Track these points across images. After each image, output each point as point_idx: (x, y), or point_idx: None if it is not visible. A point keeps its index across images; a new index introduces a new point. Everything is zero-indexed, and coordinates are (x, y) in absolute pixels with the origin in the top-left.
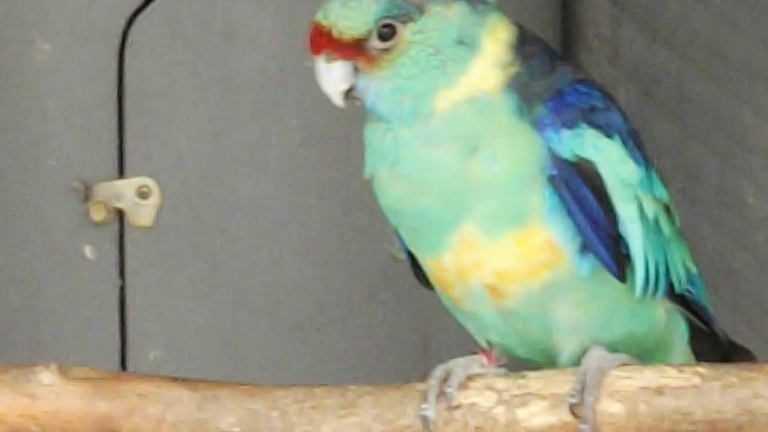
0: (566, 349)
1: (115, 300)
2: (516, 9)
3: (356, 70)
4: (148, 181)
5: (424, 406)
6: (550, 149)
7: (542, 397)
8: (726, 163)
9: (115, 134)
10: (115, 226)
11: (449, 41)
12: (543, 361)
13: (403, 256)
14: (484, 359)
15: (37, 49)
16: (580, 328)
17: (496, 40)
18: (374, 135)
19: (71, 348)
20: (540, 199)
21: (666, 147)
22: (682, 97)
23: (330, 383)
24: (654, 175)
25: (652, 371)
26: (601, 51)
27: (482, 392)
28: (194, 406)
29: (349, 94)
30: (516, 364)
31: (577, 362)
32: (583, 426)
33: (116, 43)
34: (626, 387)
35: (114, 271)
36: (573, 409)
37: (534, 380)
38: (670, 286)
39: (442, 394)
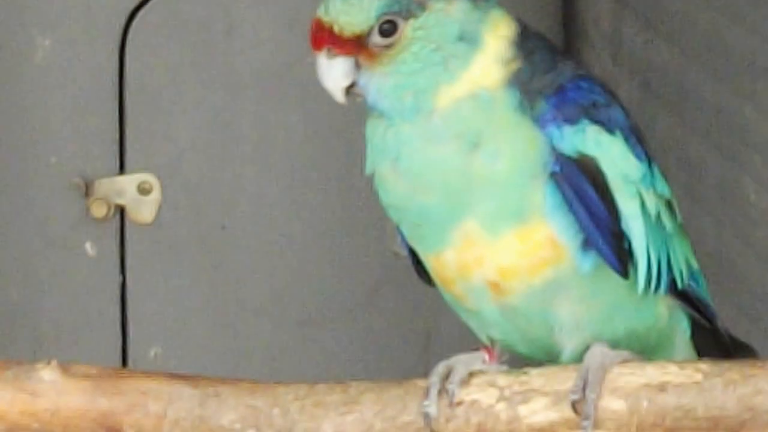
0: (568, 345)
1: (115, 296)
2: (517, 5)
3: (357, 66)
4: (149, 178)
5: (425, 402)
6: (551, 145)
7: (544, 394)
8: (727, 159)
9: (115, 130)
10: (116, 223)
11: (451, 37)
12: (545, 357)
13: (405, 253)
14: (485, 356)
15: (38, 45)
16: (582, 325)
17: (497, 37)
18: (375, 131)
19: (72, 345)
20: (542, 196)
21: (667, 143)
22: (684, 93)
23: (331, 380)
24: (656, 171)
25: (654, 368)
26: (603, 47)
27: (484, 389)
28: (195, 402)
29: (350, 90)
30: (518, 361)
31: (579, 359)
32: (585, 423)
33: (117, 38)
34: (628, 384)
35: (115, 267)
36: (575, 406)
37: (536, 377)
38: (672, 283)
39: (443, 391)
